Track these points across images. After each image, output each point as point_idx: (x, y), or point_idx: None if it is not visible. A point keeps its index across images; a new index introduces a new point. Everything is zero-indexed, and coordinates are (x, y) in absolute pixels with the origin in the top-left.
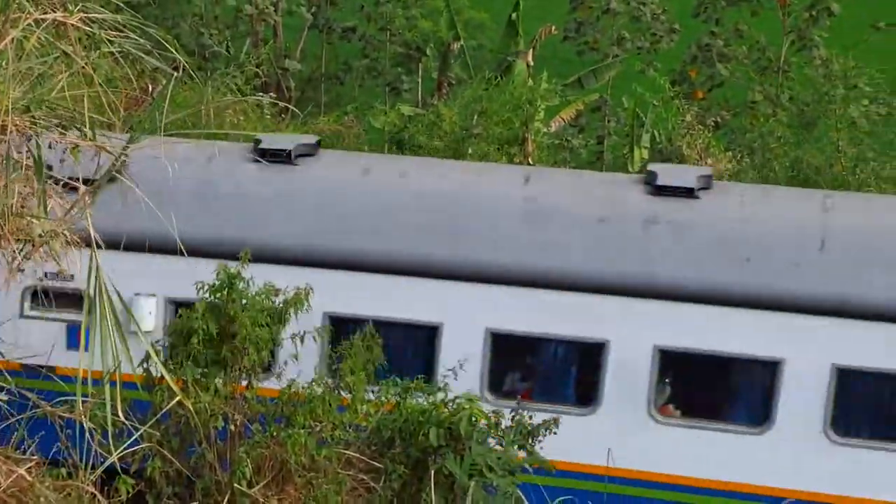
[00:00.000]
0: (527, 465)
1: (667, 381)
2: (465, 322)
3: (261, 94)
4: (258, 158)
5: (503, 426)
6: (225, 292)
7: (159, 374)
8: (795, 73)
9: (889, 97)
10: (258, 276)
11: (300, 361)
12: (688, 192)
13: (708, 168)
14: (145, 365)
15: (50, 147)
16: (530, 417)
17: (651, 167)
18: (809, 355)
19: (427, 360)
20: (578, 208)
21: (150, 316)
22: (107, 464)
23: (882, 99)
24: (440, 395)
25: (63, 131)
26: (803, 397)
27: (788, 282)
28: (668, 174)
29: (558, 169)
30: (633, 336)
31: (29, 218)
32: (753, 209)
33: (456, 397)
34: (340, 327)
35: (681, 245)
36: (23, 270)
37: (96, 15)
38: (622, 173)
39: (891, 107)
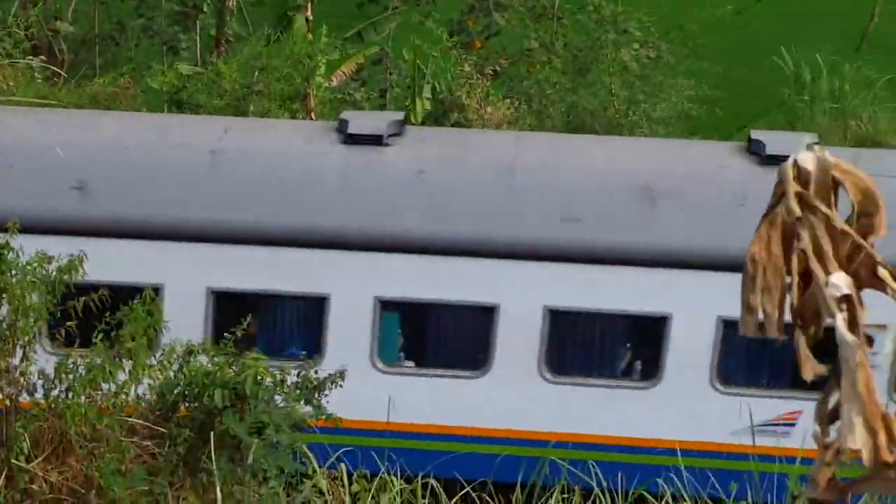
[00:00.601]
0: (311, 421)
1: None
2: None
3: (31, 57)
4: None
5: (289, 383)
6: None
7: None
8: (569, 19)
9: (657, 41)
10: None
11: None
12: None
13: None
14: None
15: None
16: (316, 373)
17: None
18: None
19: None
20: None
21: None
22: None
23: (651, 42)
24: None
25: None
26: None
27: None
28: None
29: None
30: None
31: None
32: None
33: (241, 356)
34: None
35: None
36: None
37: None
38: None
39: (659, 50)
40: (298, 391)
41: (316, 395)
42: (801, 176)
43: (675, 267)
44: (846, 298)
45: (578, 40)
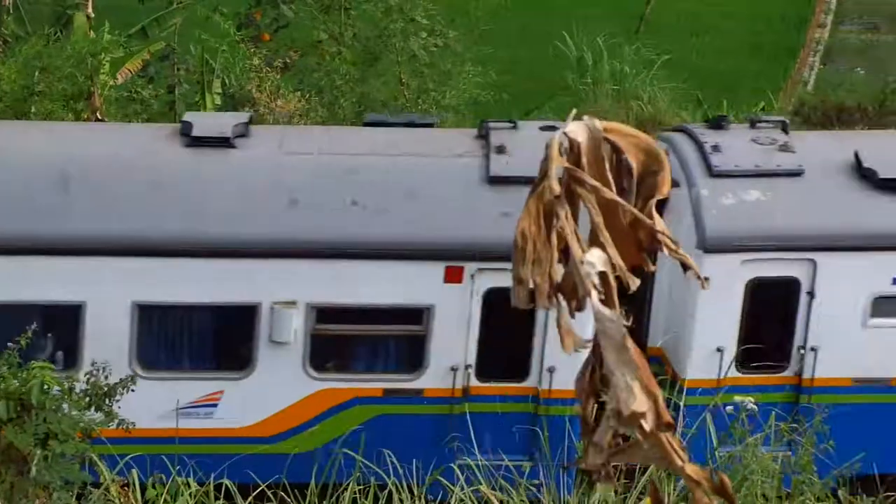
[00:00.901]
0: (97, 429)
1: None
2: None
3: None
4: None
5: (78, 391)
6: None
7: None
8: (357, 10)
9: (444, 29)
10: None
11: None
12: None
13: None
14: None
15: None
16: (106, 378)
17: None
18: None
19: None
20: None
21: None
22: None
23: (438, 31)
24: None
25: None
26: None
27: None
28: None
29: None
30: None
31: None
32: None
33: (25, 366)
34: None
35: None
36: None
37: None
38: None
39: (447, 38)
40: (88, 398)
41: (106, 402)
42: (575, 148)
43: (88, 254)
44: (601, 274)
45: (367, 30)
